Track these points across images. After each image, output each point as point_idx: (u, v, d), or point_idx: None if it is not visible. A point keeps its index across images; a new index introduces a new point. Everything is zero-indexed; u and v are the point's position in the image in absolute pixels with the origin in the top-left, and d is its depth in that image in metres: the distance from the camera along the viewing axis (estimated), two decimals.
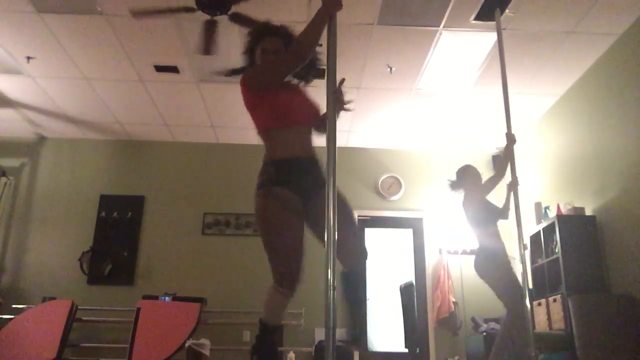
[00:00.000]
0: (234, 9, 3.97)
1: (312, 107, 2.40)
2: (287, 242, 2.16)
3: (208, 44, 4.22)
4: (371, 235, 6.60)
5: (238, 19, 4.03)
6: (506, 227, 6.49)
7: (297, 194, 2.17)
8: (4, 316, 5.54)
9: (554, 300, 4.71)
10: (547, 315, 4.84)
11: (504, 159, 3.96)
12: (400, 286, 4.85)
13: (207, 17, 4.01)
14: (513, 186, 3.72)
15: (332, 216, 1.72)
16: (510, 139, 3.76)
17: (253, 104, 2.30)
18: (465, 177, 4.12)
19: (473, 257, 4.00)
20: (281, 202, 2.14)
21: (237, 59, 4.91)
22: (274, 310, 2.27)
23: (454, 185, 4.21)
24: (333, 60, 1.99)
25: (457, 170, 4.22)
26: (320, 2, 2.11)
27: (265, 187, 2.19)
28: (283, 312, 2.27)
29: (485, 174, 6.57)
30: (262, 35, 2.37)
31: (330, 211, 1.73)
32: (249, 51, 2.42)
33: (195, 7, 3.91)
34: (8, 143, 6.67)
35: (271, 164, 2.23)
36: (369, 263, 2.35)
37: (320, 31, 2.15)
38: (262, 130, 2.30)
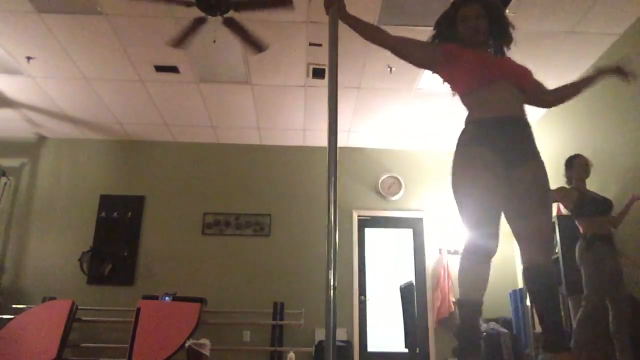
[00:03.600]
0: (231, 14, 3.96)
1: (505, 67, 2.23)
2: (471, 200, 2.04)
3: (183, 39, 4.14)
4: (371, 235, 6.61)
5: (232, 24, 4.01)
6: (506, 227, 6.51)
7: (489, 155, 2.03)
8: (4, 316, 5.54)
9: None
10: None
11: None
12: (400, 286, 4.85)
13: (202, 15, 3.99)
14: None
15: (333, 216, 1.72)
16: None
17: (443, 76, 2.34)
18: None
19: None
20: (467, 160, 2.07)
21: (235, 60, 4.92)
22: (464, 281, 2.04)
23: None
24: (333, 60, 1.99)
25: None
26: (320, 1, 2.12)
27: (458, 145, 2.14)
28: (478, 283, 2.01)
29: None
30: (465, 2, 2.28)
31: (331, 211, 1.72)
32: (445, 21, 2.37)
33: (193, 1, 3.89)
34: (8, 143, 6.67)
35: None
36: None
37: (355, 27, 2.28)
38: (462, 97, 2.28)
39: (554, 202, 4.18)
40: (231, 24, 4.02)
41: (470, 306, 2.01)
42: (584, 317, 3.65)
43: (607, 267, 3.81)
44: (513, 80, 2.16)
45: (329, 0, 2.16)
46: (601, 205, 4.00)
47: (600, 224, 3.96)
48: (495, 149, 2.03)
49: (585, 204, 4.03)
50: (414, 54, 2.35)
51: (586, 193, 4.09)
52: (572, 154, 5.20)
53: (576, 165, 4.20)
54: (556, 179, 5.52)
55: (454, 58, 2.22)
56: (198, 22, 3.99)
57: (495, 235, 2.02)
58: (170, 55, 4.87)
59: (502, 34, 2.28)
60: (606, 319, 3.69)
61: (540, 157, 2.10)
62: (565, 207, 4.14)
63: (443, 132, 6.38)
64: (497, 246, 2.02)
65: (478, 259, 2.01)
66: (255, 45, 4.26)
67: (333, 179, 1.78)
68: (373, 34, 2.34)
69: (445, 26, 2.31)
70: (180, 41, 4.17)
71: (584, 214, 4.00)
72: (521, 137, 2.09)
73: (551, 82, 5.52)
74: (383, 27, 4.44)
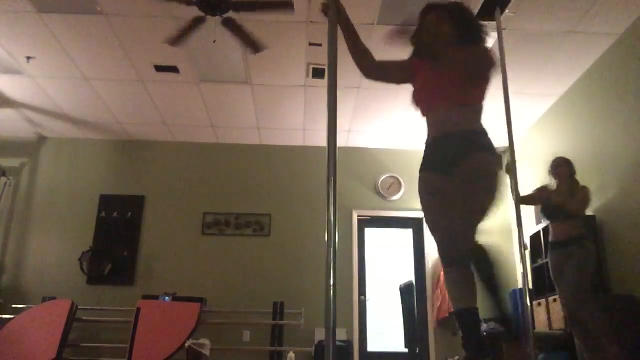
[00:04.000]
0: (231, 14, 3.95)
1: (446, 89, 2.22)
2: (430, 225, 2.21)
3: (181, 37, 4.12)
4: (371, 235, 6.61)
5: (231, 25, 4.00)
6: (506, 227, 6.53)
7: (433, 177, 2.18)
8: (4, 316, 5.54)
9: (554, 300, 4.71)
10: (547, 315, 4.85)
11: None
12: (400, 286, 4.85)
13: (201, 14, 3.98)
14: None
15: (333, 216, 1.71)
16: (513, 170, 3.64)
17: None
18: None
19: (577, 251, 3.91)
20: (419, 186, 2.23)
21: (235, 60, 4.92)
22: (451, 294, 2.15)
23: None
24: (333, 60, 1.99)
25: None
26: (320, 2, 2.12)
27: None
28: (463, 291, 2.08)
29: None
30: (428, 11, 2.33)
31: (331, 211, 1.72)
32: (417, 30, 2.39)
33: (203, 14, 3.89)
34: (8, 143, 6.67)
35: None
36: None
37: (346, 38, 2.38)
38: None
39: (533, 203, 4.21)
40: (230, 24, 4.02)
41: (465, 315, 2.05)
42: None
43: (556, 274, 3.91)
44: (452, 102, 2.18)
45: (326, 5, 2.16)
46: (553, 211, 4.00)
47: (554, 231, 4.01)
48: (437, 168, 2.16)
49: (544, 209, 4.09)
50: (393, 76, 2.48)
51: (554, 197, 4.03)
52: (572, 153, 5.20)
53: (551, 167, 4.16)
54: None
55: (413, 75, 2.36)
56: (197, 22, 3.99)
57: (464, 239, 2.06)
58: (170, 55, 4.87)
59: (472, 39, 2.27)
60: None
61: (484, 153, 2.14)
62: None
63: None
64: (468, 247, 2.06)
65: (452, 269, 2.10)
66: (254, 45, 4.26)
67: (333, 179, 1.77)
68: (359, 54, 2.42)
69: (416, 37, 2.38)
70: (178, 39, 4.16)
71: (546, 219, 4.11)
72: (457, 150, 2.12)
73: (551, 82, 5.55)
74: (383, 27, 4.47)
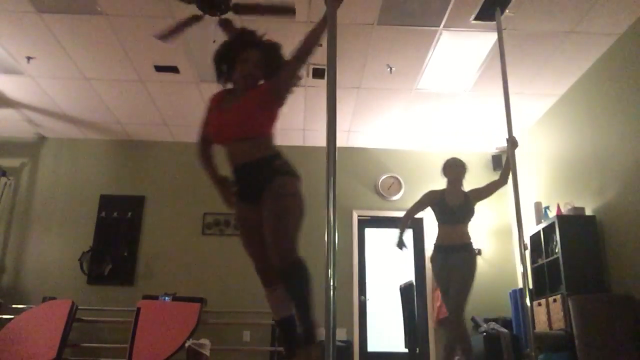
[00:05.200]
0: (230, 15, 3.94)
1: (236, 127, 2.35)
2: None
3: (173, 33, 4.07)
4: (371, 235, 6.60)
5: (226, 26, 3.98)
6: (506, 227, 6.53)
7: (241, 203, 2.45)
8: (4, 316, 5.54)
9: (554, 300, 4.71)
10: (547, 315, 4.85)
11: (506, 165, 3.94)
12: (400, 286, 4.85)
13: (215, 18, 3.97)
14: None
15: (332, 216, 1.72)
16: (512, 142, 3.68)
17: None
18: (464, 170, 4.02)
19: (467, 256, 3.85)
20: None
21: None
22: (274, 307, 2.43)
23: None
24: (333, 60, 1.99)
25: (455, 162, 4.04)
26: (320, 1, 2.12)
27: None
28: (284, 303, 2.34)
29: (485, 174, 6.61)
30: (245, 45, 2.39)
31: (330, 211, 1.73)
32: (225, 59, 2.42)
33: (200, 12, 3.88)
34: (8, 143, 6.67)
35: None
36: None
37: (320, 36, 2.33)
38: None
39: (422, 205, 4.10)
40: (224, 25, 3.98)
41: (285, 323, 2.34)
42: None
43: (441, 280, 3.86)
44: (241, 137, 2.29)
45: None
46: (449, 214, 3.91)
47: (443, 234, 3.93)
48: (241, 194, 2.35)
49: (437, 211, 4.00)
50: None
51: (447, 198, 3.94)
52: (572, 153, 5.21)
53: (446, 167, 4.04)
54: (556, 178, 5.54)
55: (210, 112, 2.44)
56: (192, 19, 3.96)
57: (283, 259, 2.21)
58: (170, 55, 4.87)
59: (274, 75, 2.39)
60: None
61: (279, 176, 2.26)
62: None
63: (443, 132, 6.38)
64: (287, 265, 2.20)
65: (272, 288, 2.39)
66: None
67: (332, 179, 1.78)
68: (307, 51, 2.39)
69: (225, 63, 2.41)
70: (170, 35, 4.10)
71: (437, 221, 4.02)
72: (253, 176, 2.28)
73: (551, 82, 5.56)
74: (383, 27, 4.47)
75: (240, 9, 3.90)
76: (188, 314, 5.24)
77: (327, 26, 2.08)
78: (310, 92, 5.55)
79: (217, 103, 2.41)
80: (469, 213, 3.91)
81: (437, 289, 6.14)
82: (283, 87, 2.38)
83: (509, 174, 3.83)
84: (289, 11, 3.90)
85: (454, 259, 3.78)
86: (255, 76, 2.37)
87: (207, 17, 3.96)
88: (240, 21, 4.10)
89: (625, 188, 4.35)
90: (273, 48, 2.43)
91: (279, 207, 2.22)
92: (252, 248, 2.39)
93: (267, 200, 2.21)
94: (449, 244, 3.84)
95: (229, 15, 3.95)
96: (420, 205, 4.10)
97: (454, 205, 3.90)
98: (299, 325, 2.19)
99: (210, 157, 2.57)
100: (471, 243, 3.88)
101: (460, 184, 3.98)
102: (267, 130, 2.35)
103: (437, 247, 3.94)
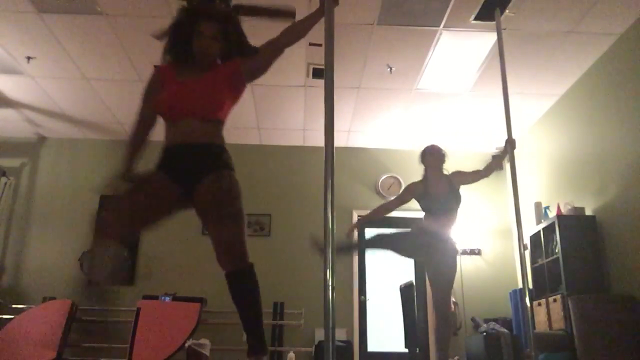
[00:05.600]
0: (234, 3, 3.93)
1: (195, 103, 2.18)
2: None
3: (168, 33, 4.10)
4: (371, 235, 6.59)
5: (242, 10, 3.97)
6: (506, 227, 6.53)
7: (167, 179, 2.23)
8: (4, 316, 5.54)
9: (554, 300, 4.71)
10: (547, 315, 4.85)
11: (495, 160, 3.81)
12: (400, 286, 4.85)
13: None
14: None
15: (330, 216, 1.72)
16: (511, 144, 3.60)
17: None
18: (444, 156, 3.82)
19: (454, 249, 3.74)
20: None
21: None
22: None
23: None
24: (330, 60, 2.00)
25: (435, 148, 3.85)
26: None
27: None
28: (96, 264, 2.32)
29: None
30: (202, 17, 2.21)
31: (328, 211, 1.73)
32: (180, 29, 2.24)
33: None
34: (8, 143, 6.67)
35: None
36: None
37: (309, 28, 2.33)
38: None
39: (403, 202, 3.91)
40: (240, 10, 3.97)
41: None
42: None
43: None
44: (198, 116, 2.12)
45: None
46: (437, 203, 3.70)
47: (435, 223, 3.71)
48: (172, 174, 2.12)
49: (424, 204, 3.77)
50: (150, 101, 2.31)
51: (431, 187, 3.72)
52: (572, 153, 5.21)
53: (426, 154, 3.82)
54: (556, 178, 5.54)
55: (160, 84, 2.26)
56: None
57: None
58: None
59: (240, 51, 2.25)
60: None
61: (223, 171, 2.14)
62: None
63: (443, 132, 6.37)
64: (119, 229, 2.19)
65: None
66: None
67: (330, 179, 1.78)
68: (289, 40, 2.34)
69: (181, 36, 2.24)
70: (167, 34, 4.10)
71: (425, 212, 3.79)
72: (196, 158, 2.11)
73: (551, 82, 5.55)
74: (383, 27, 4.47)
75: (240, 10, 3.90)
76: (188, 314, 5.24)
77: (325, 26, 2.08)
78: (310, 92, 5.55)
79: (170, 75, 2.22)
80: (457, 200, 3.69)
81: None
82: (257, 71, 2.25)
83: (493, 170, 3.73)
84: (289, 15, 3.90)
85: (442, 250, 3.64)
86: (213, 51, 2.19)
87: None
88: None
89: (625, 188, 4.34)
90: (232, 21, 2.29)
91: (234, 208, 2.12)
92: (137, 212, 2.18)
93: (213, 196, 2.08)
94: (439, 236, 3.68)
95: None
96: (398, 202, 3.92)
97: (440, 193, 3.68)
98: (250, 336, 2.05)
99: (145, 134, 2.39)
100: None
101: (441, 171, 3.77)
102: (226, 113, 2.20)
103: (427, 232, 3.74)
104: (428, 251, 3.68)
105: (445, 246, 3.66)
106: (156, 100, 2.20)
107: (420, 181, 3.82)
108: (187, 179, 2.09)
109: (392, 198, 4.00)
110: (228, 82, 2.17)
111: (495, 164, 3.81)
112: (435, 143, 3.90)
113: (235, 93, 2.22)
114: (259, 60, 2.24)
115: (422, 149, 3.87)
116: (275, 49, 2.27)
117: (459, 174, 3.77)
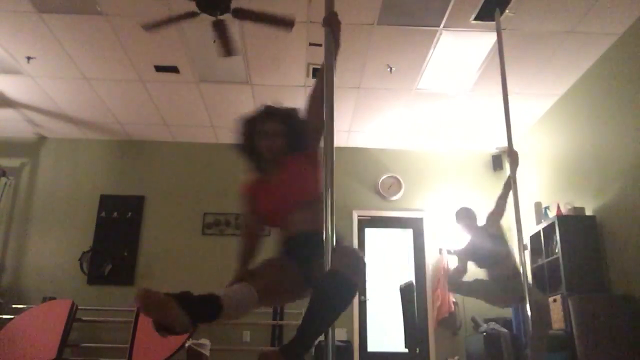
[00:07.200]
0: (235, 4, 3.93)
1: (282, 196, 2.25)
2: None
3: (226, 46, 4.10)
4: (371, 235, 6.60)
5: (242, 14, 3.97)
6: (506, 227, 6.51)
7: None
8: (4, 316, 5.54)
9: (554, 300, 4.70)
10: None
11: (504, 191, 4.12)
12: (400, 286, 4.85)
13: (212, 18, 3.96)
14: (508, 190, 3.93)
15: (330, 216, 1.72)
16: (512, 157, 3.65)
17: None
18: (469, 219, 4.28)
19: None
20: None
21: (235, 60, 4.91)
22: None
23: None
24: (330, 60, 2.01)
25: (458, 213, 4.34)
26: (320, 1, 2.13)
27: None
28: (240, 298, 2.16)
29: (485, 173, 6.61)
30: (263, 118, 2.36)
31: (328, 211, 1.73)
32: (248, 135, 2.38)
33: (197, 10, 3.87)
34: (8, 143, 6.67)
35: None
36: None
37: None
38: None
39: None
40: (241, 14, 3.97)
41: None
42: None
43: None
44: (300, 205, 2.16)
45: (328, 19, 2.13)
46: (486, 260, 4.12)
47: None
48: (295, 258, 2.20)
49: (477, 262, 4.21)
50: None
51: (474, 246, 4.20)
52: (572, 153, 5.20)
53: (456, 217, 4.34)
54: (556, 178, 5.54)
55: (253, 198, 2.33)
56: (186, 15, 3.93)
57: None
58: (170, 55, 4.87)
59: (302, 146, 2.29)
60: None
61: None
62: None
63: (443, 132, 6.37)
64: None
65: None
66: (228, 48, 4.20)
67: (330, 180, 1.79)
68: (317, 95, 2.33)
69: (246, 141, 2.38)
70: (227, 49, 4.14)
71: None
72: (309, 248, 2.08)
73: (551, 82, 5.55)
74: (383, 27, 4.47)
75: (239, 14, 3.90)
76: None
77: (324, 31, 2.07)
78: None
79: (256, 187, 2.32)
80: (503, 247, 4.10)
81: (437, 289, 6.14)
82: (318, 133, 2.28)
83: (505, 204, 4.12)
84: (288, 24, 3.89)
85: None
86: (281, 147, 2.27)
87: (206, 16, 3.96)
88: (239, 25, 4.11)
89: (625, 188, 4.34)
90: (290, 115, 2.39)
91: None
92: (278, 285, 2.22)
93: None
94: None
95: (227, 17, 3.94)
96: (463, 264, 4.27)
97: (484, 249, 4.09)
98: (297, 334, 1.93)
99: (254, 245, 2.44)
100: None
101: (473, 230, 4.23)
102: (319, 187, 2.09)
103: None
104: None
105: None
106: (257, 213, 2.31)
107: (467, 243, 4.30)
108: (305, 263, 2.12)
109: (459, 266, 4.30)
110: (306, 160, 2.24)
111: (507, 187, 4.15)
112: (464, 206, 4.40)
113: (314, 165, 2.24)
114: (313, 127, 2.29)
115: (456, 212, 4.36)
116: (317, 107, 2.28)
117: (490, 217, 4.20)
